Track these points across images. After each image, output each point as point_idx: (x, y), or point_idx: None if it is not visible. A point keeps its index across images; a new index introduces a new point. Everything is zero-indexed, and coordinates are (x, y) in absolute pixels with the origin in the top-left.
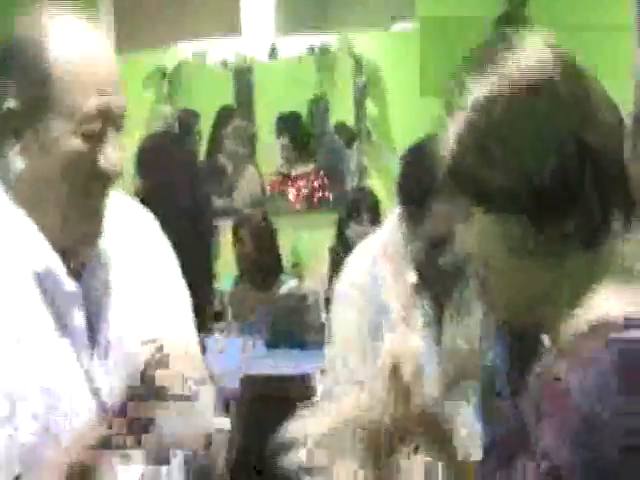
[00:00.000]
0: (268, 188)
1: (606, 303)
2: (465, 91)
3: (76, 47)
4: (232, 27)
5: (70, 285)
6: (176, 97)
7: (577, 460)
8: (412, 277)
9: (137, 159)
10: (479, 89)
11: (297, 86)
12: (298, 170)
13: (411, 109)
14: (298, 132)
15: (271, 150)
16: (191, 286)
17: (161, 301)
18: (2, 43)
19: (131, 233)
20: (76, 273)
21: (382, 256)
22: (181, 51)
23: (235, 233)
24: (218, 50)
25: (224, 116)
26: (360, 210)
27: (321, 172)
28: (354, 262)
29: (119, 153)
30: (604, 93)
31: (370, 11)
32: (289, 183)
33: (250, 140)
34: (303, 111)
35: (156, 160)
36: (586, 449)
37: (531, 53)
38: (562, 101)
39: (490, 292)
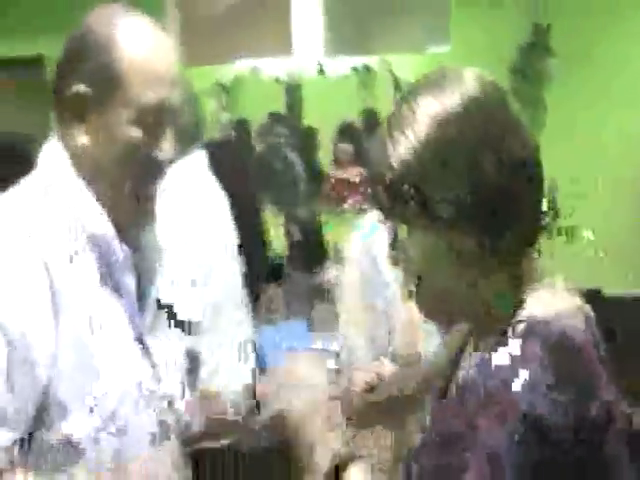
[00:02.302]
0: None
1: (528, 307)
2: (415, 108)
3: (142, 45)
4: (285, 48)
5: (121, 250)
6: (234, 107)
7: (515, 450)
8: None
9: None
10: (431, 108)
11: (342, 101)
12: (352, 173)
13: None
14: (355, 140)
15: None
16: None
17: (214, 273)
18: (75, 31)
19: (197, 205)
20: (129, 240)
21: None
22: (239, 67)
23: (285, 226)
24: (272, 67)
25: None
26: None
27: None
28: (356, 235)
29: (173, 145)
30: (520, 117)
31: (408, 36)
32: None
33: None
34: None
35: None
36: (523, 439)
37: (469, 83)
38: (498, 121)
39: (421, 294)
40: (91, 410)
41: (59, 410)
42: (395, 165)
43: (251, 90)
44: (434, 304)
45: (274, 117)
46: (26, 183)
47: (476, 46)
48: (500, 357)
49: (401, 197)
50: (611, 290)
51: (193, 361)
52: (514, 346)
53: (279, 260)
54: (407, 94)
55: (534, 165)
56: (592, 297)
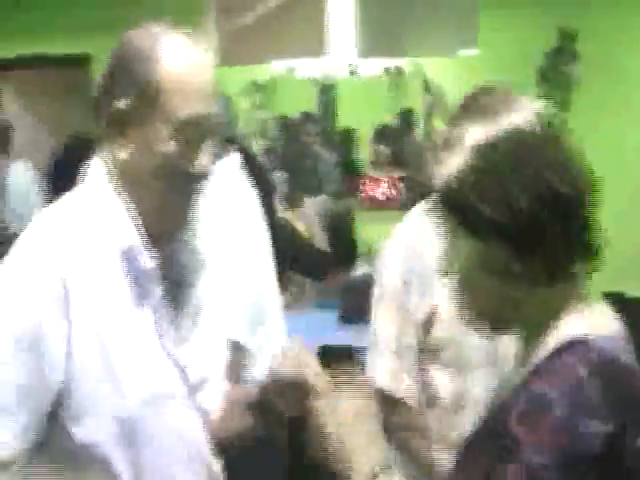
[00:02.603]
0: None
1: (570, 326)
2: (463, 133)
3: (181, 62)
4: (319, 49)
5: (149, 263)
6: (269, 106)
7: (554, 464)
8: None
9: None
10: (477, 135)
11: (374, 101)
12: (384, 173)
13: None
14: (393, 142)
15: None
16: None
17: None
18: (117, 49)
19: (231, 212)
20: (163, 252)
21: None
22: (274, 67)
23: (319, 221)
24: (307, 67)
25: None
26: None
27: (399, 178)
28: (401, 226)
29: (210, 159)
30: (577, 155)
31: (438, 39)
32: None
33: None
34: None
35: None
36: (563, 455)
37: (521, 114)
38: (540, 155)
39: (464, 302)
40: (111, 417)
41: (76, 416)
42: (439, 183)
43: (286, 89)
44: (475, 314)
45: (306, 116)
46: (67, 196)
47: (504, 50)
48: (539, 373)
49: (441, 211)
50: (632, 293)
51: (237, 360)
52: (554, 364)
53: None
54: (457, 115)
55: (576, 203)
56: (615, 300)
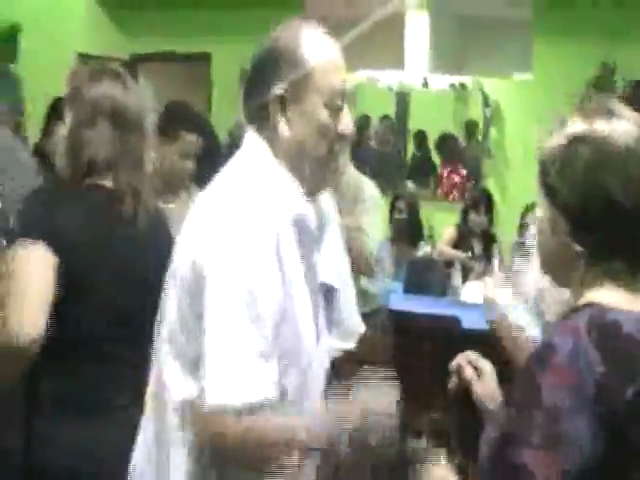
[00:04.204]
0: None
1: (594, 296)
2: (567, 122)
3: (322, 43)
4: (397, 63)
5: (313, 226)
6: (353, 109)
7: (562, 400)
8: None
9: None
10: (577, 127)
11: (440, 110)
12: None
13: (524, 136)
14: (450, 149)
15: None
16: None
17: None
18: (265, 45)
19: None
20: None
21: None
22: (359, 76)
23: (393, 203)
24: (386, 78)
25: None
26: (480, 203)
27: (463, 172)
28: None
29: (352, 121)
30: None
31: (498, 62)
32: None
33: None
34: (448, 129)
35: None
36: (567, 392)
37: (619, 121)
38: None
39: (537, 251)
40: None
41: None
42: (539, 160)
43: (368, 96)
44: (544, 266)
45: (385, 119)
46: (235, 168)
47: (555, 76)
48: (555, 327)
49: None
50: None
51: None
52: (567, 319)
53: None
54: (573, 111)
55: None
56: None
